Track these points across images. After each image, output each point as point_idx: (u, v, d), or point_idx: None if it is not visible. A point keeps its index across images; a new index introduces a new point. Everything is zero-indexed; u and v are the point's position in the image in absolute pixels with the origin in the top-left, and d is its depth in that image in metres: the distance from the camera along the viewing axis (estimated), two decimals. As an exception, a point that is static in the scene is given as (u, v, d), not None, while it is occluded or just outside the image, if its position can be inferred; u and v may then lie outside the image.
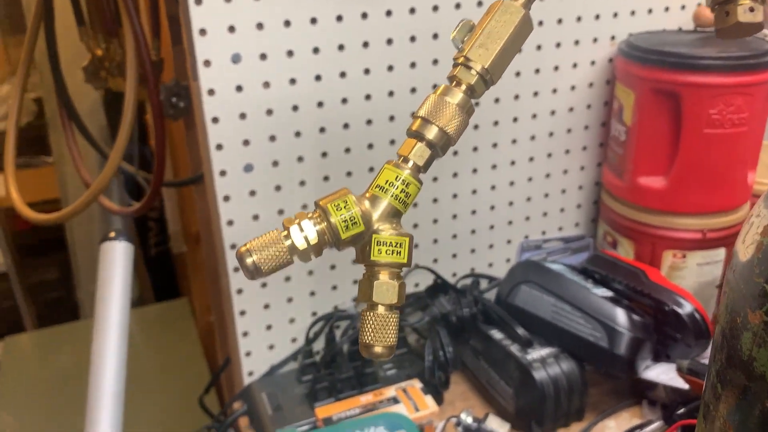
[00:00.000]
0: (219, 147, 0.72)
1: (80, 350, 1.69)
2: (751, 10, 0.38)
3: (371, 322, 0.26)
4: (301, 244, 0.27)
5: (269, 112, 0.73)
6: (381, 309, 0.27)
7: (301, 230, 0.27)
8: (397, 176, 0.28)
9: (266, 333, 0.83)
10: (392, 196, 0.28)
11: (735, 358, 0.29)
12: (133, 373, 1.49)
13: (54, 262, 2.47)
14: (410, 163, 0.29)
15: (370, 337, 0.26)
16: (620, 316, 0.75)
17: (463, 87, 0.28)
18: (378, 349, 0.26)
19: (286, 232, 0.27)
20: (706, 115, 0.77)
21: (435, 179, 0.87)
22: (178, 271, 1.97)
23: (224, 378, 1.06)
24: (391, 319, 0.27)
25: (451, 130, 0.29)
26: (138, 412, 1.34)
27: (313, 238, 0.27)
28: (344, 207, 0.27)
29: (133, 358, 1.59)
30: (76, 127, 0.96)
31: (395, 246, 0.27)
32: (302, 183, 0.78)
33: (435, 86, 0.76)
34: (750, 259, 0.29)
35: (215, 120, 0.71)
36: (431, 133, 0.29)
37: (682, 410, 0.75)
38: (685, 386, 0.73)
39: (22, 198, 0.90)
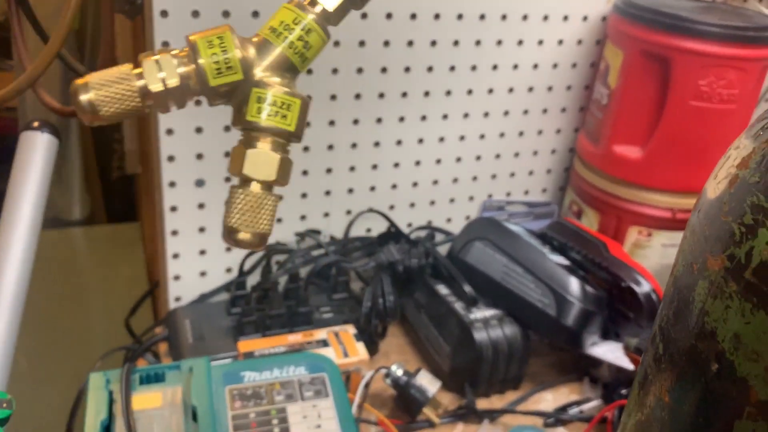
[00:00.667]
0: (165, 45, 0.66)
1: None
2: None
3: (240, 202, 0.21)
4: (155, 86, 0.21)
5: (225, 14, 0.67)
6: (255, 186, 0.21)
7: (160, 69, 0.21)
8: (296, 19, 0.22)
9: (199, 258, 0.77)
10: (287, 43, 0.22)
11: (684, 313, 0.24)
12: (71, 289, 1.43)
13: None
14: (317, 8, 0.23)
15: (236, 220, 0.21)
16: (573, 285, 0.71)
17: None
18: (244, 236, 0.21)
19: (139, 69, 0.21)
20: (694, 85, 0.72)
21: (402, 119, 0.81)
22: (137, 194, 1.89)
23: (162, 303, 1.01)
24: (267, 201, 0.21)
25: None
26: (67, 328, 1.29)
27: (173, 81, 0.21)
28: (219, 45, 0.21)
29: (73, 274, 1.53)
30: (24, 12, 0.88)
31: (281, 107, 0.22)
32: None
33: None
34: (719, 196, 0.24)
35: (164, 13, 0.64)
36: (348, -33, 0.23)
37: (623, 390, 0.72)
38: (630, 366, 0.69)
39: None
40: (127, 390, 0.55)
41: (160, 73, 0.20)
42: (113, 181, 2.05)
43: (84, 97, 0.19)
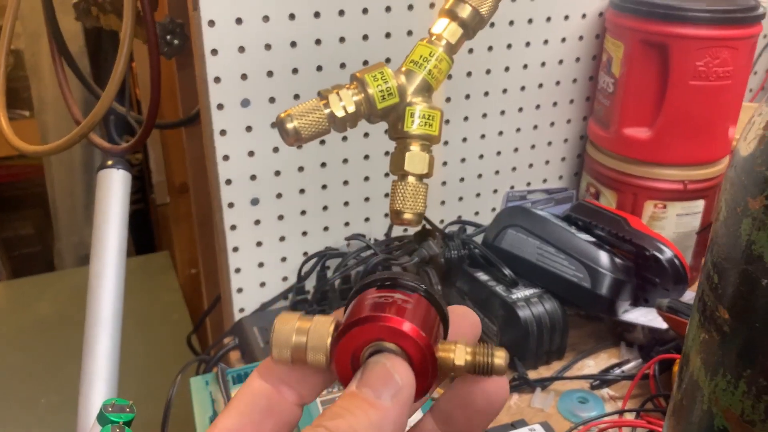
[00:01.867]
0: (217, 80, 0.73)
1: (57, 299, 1.69)
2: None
3: (402, 191, 0.28)
4: (339, 113, 0.28)
5: (268, 47, 0.74)
6: (411, 179, 0.28)
7: (340, 99, 0.28)
8: (431, 52, 0.30)
9: (258, 270, 0.84)
10: (426, 71, 0.29)
11: (734, 246, 0.32)
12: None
13: (29, 217, 2.45)
14: (443, 42, 0.30)
15: (400, 204, 0.28)
16: (603, 257, 0.78)
17: (495, -26, 0.30)
18: (408, 216, 0.28)
19: (325, 101, 0.28)
20: (692, 67, 0.80)
21: (427, 125, 0.88)
22: (158, 225, 1.96)
23: (209, 322, 1.07)
24: (421, 189, 0.28)
25: (485, 10, 0.30)
26: (125, 355, 1.35)
27: (351, 108, 0.28)
28: (381, 79, 0.28)
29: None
30: (68, 64, 0.95)
31: (428, 118, 0.29)
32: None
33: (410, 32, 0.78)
34: (752, 153, 0.31)
35: (214, 52, 0.71)
36: (465, 12, 0.30)
37: (660, 349, 0.79)
38: (663, 326, 0.76)
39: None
40: (225, 387, 0.62)
41: (341, 102, 0.27)
42: (130, 214, 2.12)
43: (290, 125, 0.26)
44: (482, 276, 0.83)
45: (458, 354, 0.26)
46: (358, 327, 0.25)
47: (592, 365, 0.81)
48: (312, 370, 0.27)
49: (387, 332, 0.25)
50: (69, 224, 1.90)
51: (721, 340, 0.33)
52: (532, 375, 0.78)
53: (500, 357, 0.26)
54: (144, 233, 2.14)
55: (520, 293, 0.79)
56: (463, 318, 0.29)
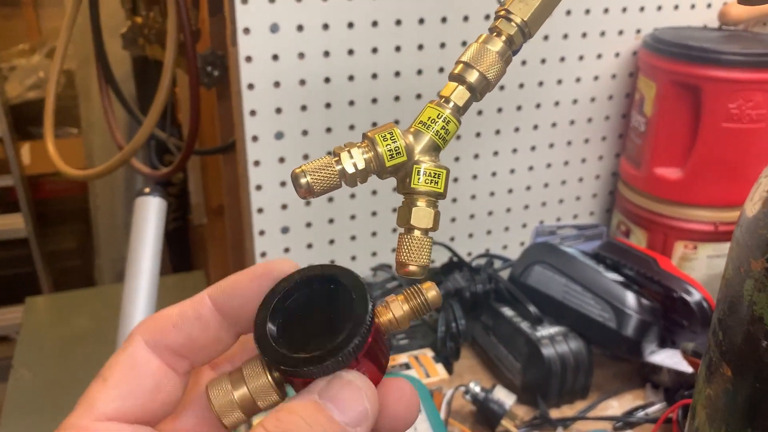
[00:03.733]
0: (253, 113, 0.75)
1: (97, 314, 1.73)
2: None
3: (407, 244, 0.29)
4: (350, 169, 0.29)
5: (302, 82, 0.76)
6: (417, 233, 0.30)
7: (351, 157, 0.29)
8: (439, 114, 0.31)
9: (286, 297, 0.86)
10: (434, 132, 0.31)
11: (737, 305, 0.32)
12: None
13: (73, 231, 2.53)
14: (451, 104, 0.32)
15: (405, 257, 0.29)
16: (629, 298, 0.77)
17: (503, 37, 0.31)
18: (413, 268, 0.29)
19: (337, 158, 0.30)
20: (725, 109, 0.80)
21: (457, 159, 0.89)
22: (195, 244, 2.00)
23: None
24: (426, 242, 0.30)
25: (491, 75, 0.31)
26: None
27: (361, 165, 0.30)
28: (390, 138, 0.30)
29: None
30: (113, 90, 0.99)
31: (434, 176, 0.30)
32: (330, 153, 0.81)
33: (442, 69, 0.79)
34: (756, 215, 0.32)
35: (251, 87, 0.74)
36: (472, 77, 0.32)
37: (685, 393, 0.78)
38: (689, 370, 0.75)
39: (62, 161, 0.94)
40: None
41: (352, 159, 0.29)
42: (169, 233, 2.17)
43: (304, 180, 0.28)
44: (508, 311, 0.83)
45: (395, 309, 0.28)
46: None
47: (616, 406, 0.80)
48: (211, 339, 0.27)
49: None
50: (109, 241, 1.96)
51: (724, 397, 0.33)
52: (555, 414, 0.78)
53: (430, 289, 0.29)
54: (182, 252, 2.19)
55: (545, 331, 0.79)
56: (399, 398, 0.28)
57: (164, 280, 1.91)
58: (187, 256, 2.21)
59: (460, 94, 0.32)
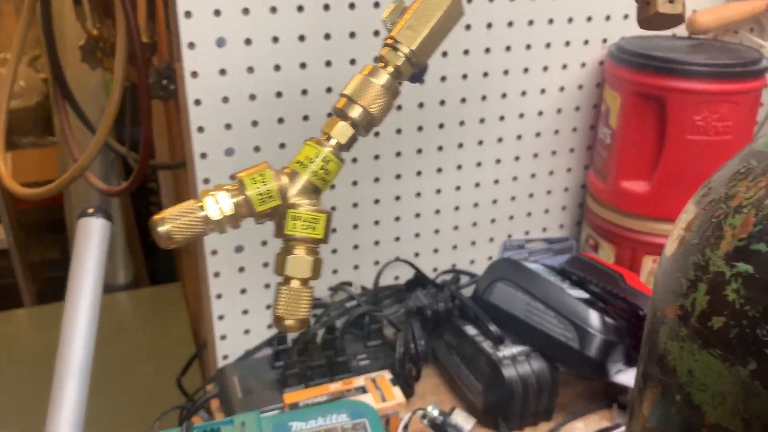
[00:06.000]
0: (200, 129, 0.73)
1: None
2: (671, 1, 0.39)
3: (284, 296, 0.27)
4: (214, 215, 0.27)
5: (252, 97, 0.74)
6: (294, 283, 0.27)
7: (216, 202, 0.27)
8: (317, 153, 0.29)
9: (242, 317, 0.83)
10: (311, 172, 0.29)
11: (654, 353, 0.30)
12: (121, 353, 1.50)
13: (56, 241, 2.49)
14: (332, 141, 0.29)
15: (282, 310, 0.27)
16: (593, 317, 0.75)
17: (390, 68, 0.29)
18: (289, 322, 0.27)
19: (201, 203, 0.27)
20: (690, 121, 0.77)
21: (419, 173, 0.87)
22: (175, 255, 1.98)
23: (211, 362, 1.07)
24: (304, 294, 0.27)
25: (375, 110, 0.29)
26: (120, 391, 1.35)
27: (229, 210, 0.27)
28: (260, 180, 0.27)
29: (122, 338, 1.60)
30: (71, 106, 0.97)
31: (311, 221, 0.28)
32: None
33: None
34: (673, 254, 0.29)
35: (197, 102, 0.72)
36: (355, 112, 0.29)
37: (649, 415, 0.75)
38: (654, 391, 0.73)
39: (19, 176, 0.91)
40: (187, 446, 0.60)
41: (217, 204, 0.27)
42: (153, 243, 2.14)
43: (162, 229, 0.25)
44: (471, 330, 0.81)
45: None
46: None
47: (581, 428, 0.78)
48: None
49: None
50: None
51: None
52: (517, 437, 0.76)
53: None
54: (165, 263, 2.16)
55: (507, 351, 0.77)
56: None
57: (140, 293, 1.88)
58: (171, 268, 2.18)
59: (342, 131, 0.29)
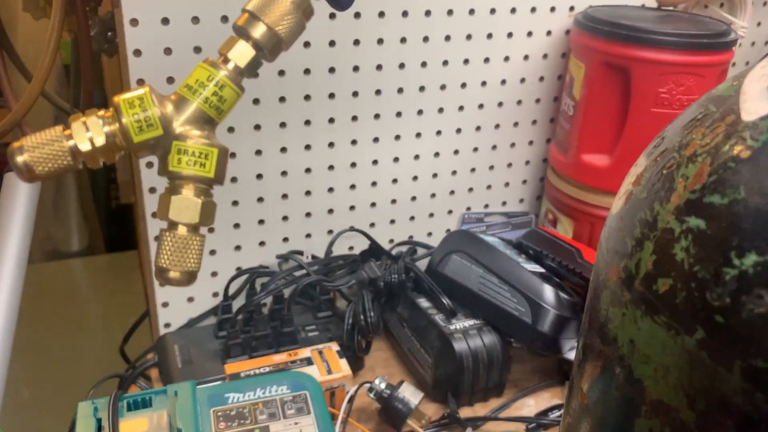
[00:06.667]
0: (140, 82, 0.68)
1: (24, 294, 1.66)
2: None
3: (169, 243, 0.23)
4: (84, 146, 0.23)
5: (197, 49, 0.69)
6: (181, 229, 0.24)
7: (87, 129, 0.23)
8: (210, 76, 0.25)
9: (186, 284, 0.79)
10: (203, 99, 0.25)
11: (594, 322, 0.27)
12: (71, 319, 1.45)
13: None
14: (230, 65, 0.25)
15: (166, 260, 0.23)
16: (547, 292, 0.73)
17: (304, -19, 0.25)
18: (174, 274, 0.23)
19: (69, 131, 0.23)
20: (654, 93, 0.75)
21: (376, 140, 0.83)
22: (135, 221, 1.92)
23: (154, 330, 1.03)
24: (193, 242, 0.24)
25: (282, 30, 0.25)
26: (67, 356, 1.31)
27: (100, 140, 0.23)
28: (139, 105, 0.23)
29: (73, 305, 1.55)
30: (7, 54, 0.91)
31: (199, 156, 0.24)
32: (230, 130, 0.74)
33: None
34: (618, 212, 0.26)
35: (137, 53, 0.67)
36: (258, 31, 0.25)
37: (601, 393, 0.74)
38: (606, 368, 0.71)
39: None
40: (114, 417, 0.57)
41: (88, 133, 0.23)
42: (113, 210, 2.08)
43: (20, 159, 0.21)
44: (423, 302, 0.78)
45: None
46: None
47: (532, 405, 0.76)
48: None
49: None
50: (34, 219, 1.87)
51: (578, 421, 0.28)
52: (466, 413, 0.74)
53: None
54: (126, 230, 2.09)
55: (459, 324, 0.75)
56: None
57: (96, 259, 1.82)
58: (131, 235, 2.12)
59: (241, 53, 0.25)
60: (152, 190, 0.73)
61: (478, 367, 0.73)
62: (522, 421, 0.72)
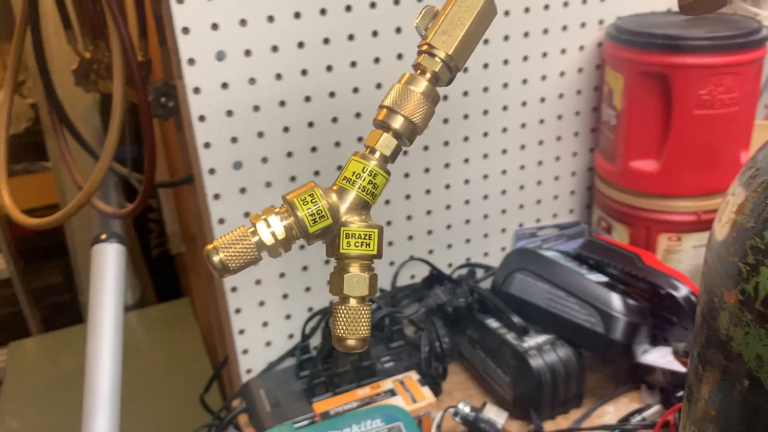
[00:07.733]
0: (207, 145, 0.72)
1: (81, 354, 1.70)
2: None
3: (344, 315, 0.26)
4: (268, 240, 0.27)
5: (256, 108, 0.73)
6: (353, 302, 0.27)
7: (268, 226, 0.27)
8: (363, 168, 0.28)
9: (263, 330, 0.83)
10: (359, 188, 0.28)
11: (713, 339, 0.29)
12: (137, 374, 1.49)
13: (57, 266, 2.48)
14: (377, 154, 0.29)
15: (342, 330, 0.26)
16: (615, 301, 0.75)
17: (428, 75, 0.28)
18: (351, 342, 0.26)
19: (253, 228, 0.27)
20: (695, 96, 0.77)
21: (427, 170, 0.86)
22: (178, 271, 1.97)
23: (226, 376, 1.06)
24: (363, 311, 0.27)
25: (417, 119, 0.29)
26: (142, 412, 1.35)
27: (281, 233, 0.27)
28: (311, 201, 0.27)
29: (136, 359, 1.59)
30: (68, 131, 0.96)
31: (364, 238, 0.27)
32: (293, 178, 0.78)
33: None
34: (725, 238, 0.29)
35: (202, 118, 0.71)
36: (397, 122, 0.29)
37: (680, 393, 0.75)
38: (683, 369, 0.73)
39: (16, 204, 0.90)
40: (225, 466, 0.60)
41: (269, 228, 0.26)
42: (154, 260, 2.13)
43: (216, 258, 0.25)
44: (493, 323, 0.81)
45: None
46: None
47: (612, 411, 0.78)
48: None
49: None
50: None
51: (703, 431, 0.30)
52: (549, 426, 0.75)
53: None
54: (168, 278, 2.14)
55: (532, 341, 0.77)
56: None
57: (149, 311, 1.87)
58: (174, 283, 2.17)
59: (385, 143, 0.29)
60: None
61: (557, 382, 0.75)
62: (606, 429, 0.74)
